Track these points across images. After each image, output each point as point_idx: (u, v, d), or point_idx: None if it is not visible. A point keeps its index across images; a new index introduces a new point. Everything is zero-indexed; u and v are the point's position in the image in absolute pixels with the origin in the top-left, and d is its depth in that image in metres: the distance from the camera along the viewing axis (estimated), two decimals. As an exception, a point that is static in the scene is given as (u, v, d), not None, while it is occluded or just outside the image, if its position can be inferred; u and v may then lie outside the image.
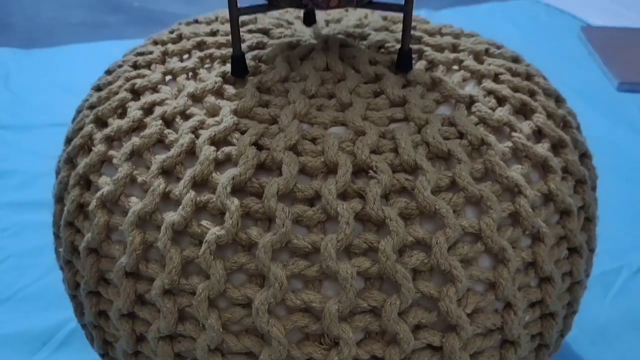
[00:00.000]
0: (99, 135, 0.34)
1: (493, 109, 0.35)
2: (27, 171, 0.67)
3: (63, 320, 0.50)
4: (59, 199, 0.36)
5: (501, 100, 0.35)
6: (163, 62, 0.39)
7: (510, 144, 0.33)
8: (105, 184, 0.32)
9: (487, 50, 0.40)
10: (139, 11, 1.20)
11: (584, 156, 0.38)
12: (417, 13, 0.43)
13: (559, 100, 0.39)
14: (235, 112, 0.33)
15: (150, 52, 0.40)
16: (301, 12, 0.44)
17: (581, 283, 0.35)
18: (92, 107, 0.37)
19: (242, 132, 0.32)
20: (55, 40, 1.03)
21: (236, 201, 0.29)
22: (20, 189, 0.65)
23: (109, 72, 0.40)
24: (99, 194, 0.32)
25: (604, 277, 0.57)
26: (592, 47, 1.00)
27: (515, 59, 0.40)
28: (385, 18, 0.44)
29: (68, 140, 0.37)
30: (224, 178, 0.30)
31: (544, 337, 0.33)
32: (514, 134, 0.34)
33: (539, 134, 0.35)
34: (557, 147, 0.35)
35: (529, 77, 0.39)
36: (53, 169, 0.67)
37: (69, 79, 0.86)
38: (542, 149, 0.34)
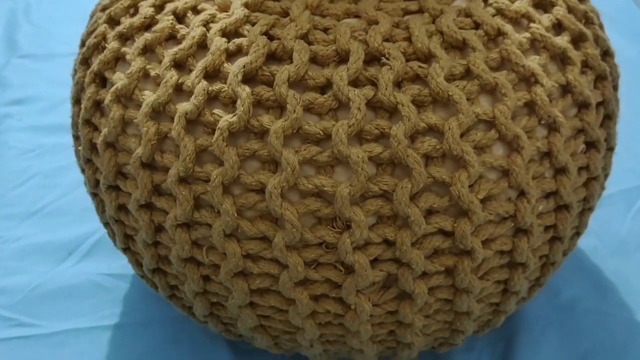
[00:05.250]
0: (112, 33, 0.34)
1: (511, 1, 0.34)
2: (50, 97, 0.68)
3: (87, 232, 0.51)
4: (77, 101, 0.37)
5: (520, -8, 0.34)
6: (174, -36, 0.38)
7: (528, 34, 0.32)
8: (119, 79, 0.32)
9: (507, -54, 0.38)
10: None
11: (606, 54, 0.37)
12: None
13: (582, -4, 0.38)
14: (246, 5, 0.32)
15: (162, -44, 0.39)
16: None
17: (598, 179, 0.35)
18: (104, 8, 0.37)
19: (253, 24, 0.31)
20: (72, -27, 1.02)
21: (247, 89, 0.29)
22: (43, 114, 0.66)
23: (121, -23, 0.40)
24: (113, 88, 0.32)
25: (627, 193, 0.57)
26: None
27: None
28: None
29: (82, 43, 0.37)
30: (234, 67, 0.30)
31: (558, 229, 0.33)
32: (532, 25, 0.33)
33: (558, 27, 0.34)
34: (577, 41, 0.34)
35: (550, -28, 0.37)
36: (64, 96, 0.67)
37: (87, 11, 0.86)
38: (561, 40, 0.33)
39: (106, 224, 0.38)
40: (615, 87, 0.37)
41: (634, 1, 0.88)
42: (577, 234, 0.37)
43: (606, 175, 0.37)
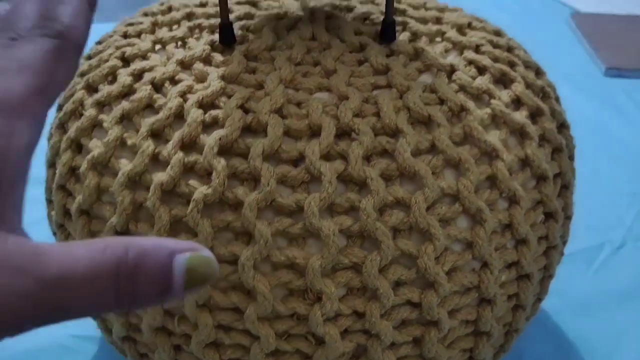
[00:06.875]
0: (89, 100, 0.35)
1: (473, 78, 0.36)
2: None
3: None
4: (51, 164, 0.37)
5: (481, 70, 0.36)
6: (153, 32, 0.39)
7: (489, 110, 0.34)
8: (96, 146, 0.33)
9: (469, 24, 0.41)
10: (131, -5, 1.21)
11: (562, 126, 0.39)
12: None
13: (538, 72, 0.40)
14: (222, 78, 0.34)
15: (140, 23, 0.40)
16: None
17: (557, 248, 0.36)
18: (82, 74, 0.38)
19: (229, 97, 0.33)
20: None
21: (223, 161, 0.30)
22: (12, 165, 0.66)
23: (99, 42, 0.41)
24: (89, 156, 0.33)
25: (586, 252, 0.59)
26: (580, 33, 1.01)
27: (497, 33, 0.41)
28: (371, -7, 0.45)
29: (59, 107, 0.38)
30: (210, 139, 0.31)
31: (520, 297, 0.34)
32: (493, 101, 0.35)
33: (517, 103, 0.36)
34: (535, 115, 0.36)
35: (509, 49, 0.40)
36: (45, 148, 0.67)
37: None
38: (520, 116, 0.35)
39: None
40: (571, 158, 0.39)
41: (596, 65, 0.93)
42: (539, 299, 0.38)
43: (564, 243, 0.39)
